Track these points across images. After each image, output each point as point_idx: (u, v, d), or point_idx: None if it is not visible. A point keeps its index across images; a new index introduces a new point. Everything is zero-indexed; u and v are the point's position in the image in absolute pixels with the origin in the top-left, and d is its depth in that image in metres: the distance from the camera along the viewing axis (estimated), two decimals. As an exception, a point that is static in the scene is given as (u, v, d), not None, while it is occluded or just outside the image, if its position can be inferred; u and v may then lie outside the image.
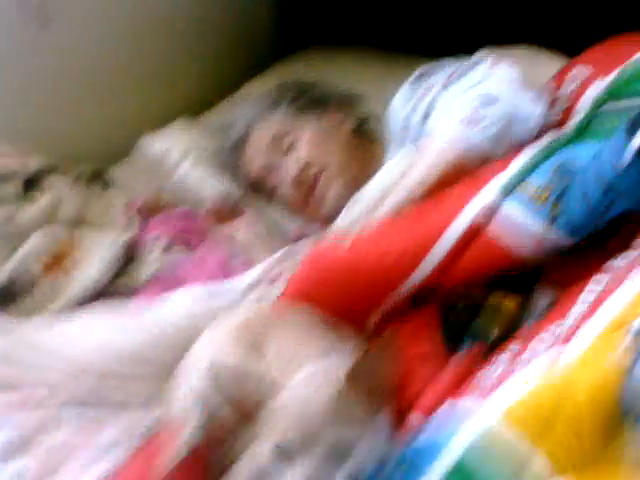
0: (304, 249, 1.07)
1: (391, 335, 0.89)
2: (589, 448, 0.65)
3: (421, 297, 0.96)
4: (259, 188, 1.39)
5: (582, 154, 0.92)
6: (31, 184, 1.31)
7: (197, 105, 1.70)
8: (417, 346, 0.92)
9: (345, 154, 1.30)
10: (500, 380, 0.72)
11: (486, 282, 0.93)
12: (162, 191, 1.44)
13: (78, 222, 1.28)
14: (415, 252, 0.91)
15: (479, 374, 0.79)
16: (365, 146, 1.36)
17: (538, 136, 1.02)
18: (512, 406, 0.68)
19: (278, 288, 1.02)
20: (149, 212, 1.39)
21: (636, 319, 0.72)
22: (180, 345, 0.95)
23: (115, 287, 1.17)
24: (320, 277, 0.97)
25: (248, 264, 1.20)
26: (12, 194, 1.27)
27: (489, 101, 1.01)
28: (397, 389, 0.90)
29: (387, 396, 0.73)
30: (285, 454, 0.70)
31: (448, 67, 1.18)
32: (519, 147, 0.99)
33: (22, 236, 1.17)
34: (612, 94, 1.04)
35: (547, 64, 1.31)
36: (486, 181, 0.94)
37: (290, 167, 1.28)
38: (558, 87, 1.15)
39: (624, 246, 0.87)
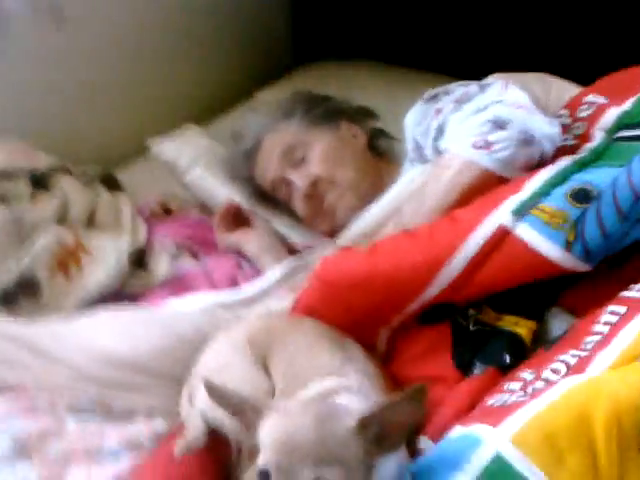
0: (312, 263, 1.06)
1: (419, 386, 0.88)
2: (605, 480, 0.64)
3: (431, 315, 0.96)
4: (269, 199, 1.38)
5: (598, 179, 0.91)
6: (40, 182, 1.31)
7: (209, 111, 1.70)
8: (427, 367, 0.92)
9: (357, 169, 1.29)
10: (513, 408, 0.71)
11: (498, 306, 0.92)
12: (171, 196, 1.43)
13: (87, 224, 1.28)
14: (429, 267, 0.90)
15: (491, 400, 0.78)
16: (378, 161, 1.36)
17: (552, 160, 1.01)
18: (525, 434, 0.67)
19: (286, 301, 1.01)
20: (158, 217, 1.38)
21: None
22: (186, 356, 0.95)
23: (123, 290, 1.16)
24: (330, 292, 0.96)
25: (255, 276, 1.19)
26: (21, 192, 1.26)
27: (500, 124, 1.01)
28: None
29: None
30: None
31: (459, 89, 1.17)
32: (534, 169, 0.98)
33: (31, 235, 1.16)
34: (627, 122, 1.03)
35: (558, 90, 1.31)
36: (500, 202, 0.93)
37: (301, 181, 1.27)
38: (571, 113, 1.15)
39: (637, 275, 0.86)
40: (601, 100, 1.12)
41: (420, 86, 1.54)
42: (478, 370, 0.88)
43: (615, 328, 0.78)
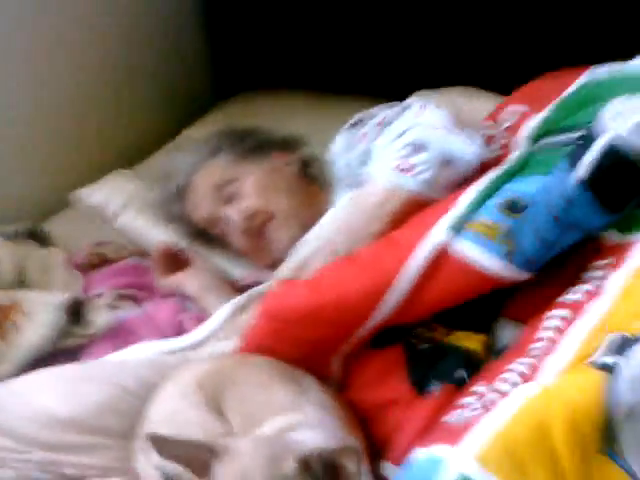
0: (256, 299, 1.05)
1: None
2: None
3: (382, 338, 0.95)
4: (205, 236, 1.36)
5: (527, 188, 0.93)
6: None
7: (137, 155, 1.67)
8: (383, 391, 0.91)
9: (292, 198, 1.28)
10: (469, 424, 0.71)
11: (447, 322, 0.93)
12: (105, 243, 1.39)
13: (17, 283, 1.23)
14: (373, 293, 0.90)
15: (447, 418, 0.78)
16: (311, 188, 1.35)
17: (481, 173, 1.03)
18: (486, 451, 0.67)
19: (233, 341, 0.99)
20: (91, 267, 1.34)
21: (595, 352, 0.73)
22: (132, 409, 0.92)
23: (60, 348, 1.11)
24: (276, 327, 0.95)
25: (199, 317, 1.16)
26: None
27: (419, 147, 1.03)
28: (366, 436, 0.89)
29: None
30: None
31: (380, 113, 1.19)
32: (463, 185, 1.00)
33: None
34: (548, 129, 1.07)
35: (481, 103, 1.34)
36: (435, 220, 0.94)
37: (237, 216, 1.26)
38: (494, 124, 1.18)
39: (575, 277, 0.88)
40: (522, 109, 1.16)
41: (346, 110, 1.55)
42: (434, 388, 0.88)
43: (559, 332, 0.79)
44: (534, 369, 0.77)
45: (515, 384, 0.76)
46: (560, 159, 0.89)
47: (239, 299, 1.09)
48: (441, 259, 0.90)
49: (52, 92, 1.52)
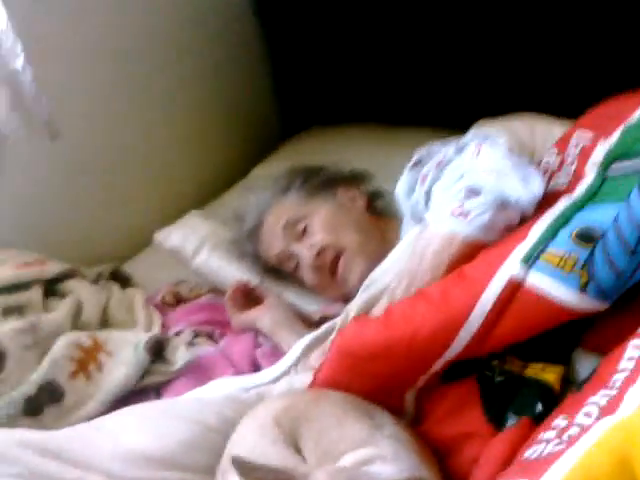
0: (327, 335, 1.06)
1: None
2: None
3: (455, 371, 0.95)
4: (277, 273, 1.39)
5: (600, 218, 0.92)
6: (52, 290, 1.33)
7: (208, 195, 1.73)
8: (459, 424, 0.91)
9: (361, 232, 1.30)
10: (551, 460, 0.69)
11: (522, 353, 0.92)
12: (181, 283, 1.45)
13: (101, 324, 1.29)
14: (447, 330, 0.90)
15: (527, 453, 0.77)
16: (379, 221, 1.37)
17: (550, 203, 1.02)
18: (568, 486, 0.66)
19: (307, 376, 1.01)
20: (170, 305, 1.39)
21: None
22: (215, 446, 0.94)
23: (143, 386, 1.16)
24: (350, 363, 0.96)
25: (274, 352, 1.19)
26: (34, 301, 1.27)
27: (474, 192, 1.02)
28: (444, 472, 0.88)
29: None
30: None
31: (438, 153, 1.20)
32: (535, 217, 0.99)
33: (47, 343, 1.16)
34: (618, 155, 1.04)
35: (543, 130, 1.33)
36: (507, 253, 0.93)
37: (307, 252, 1.29)
38: (561, 151, 1.17)
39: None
40: (589, 135, 1.14)
41: (410, 141, 1.57)
42: (511, 422, 0.87)
43: (640, 363, 0.77)
44: (616, 402, 0.75)
45: (597, 418, 0.74)
46: (633, 185, 0.88)
47: (312, 335, 1.10)
48: (514, 292, 0.89)
49: (127, 138, 1.61)
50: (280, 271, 1.39)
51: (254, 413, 0.95)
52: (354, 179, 1.45)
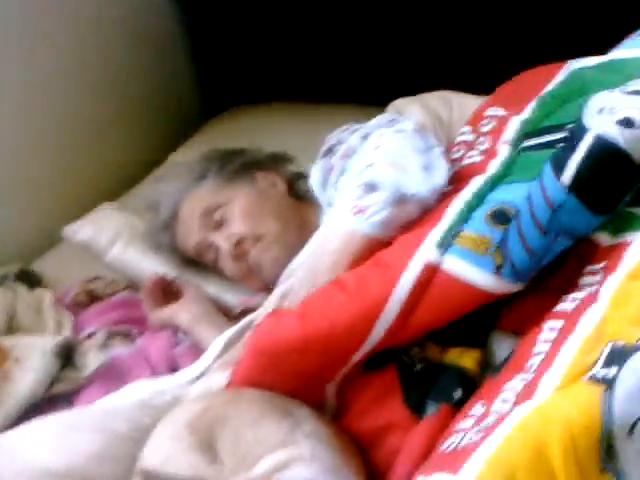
0: (246, 330, 1.02)
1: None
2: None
3: (375, 361, 0.93)
4: (196, 265, 1.34)
5: (512, 197, 0.90)
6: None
7: (123, 184, 1.65)
8: (381, 415, 0.89)
9: (279, 219, 1.26)
10: (469, 451, 0.68)
11: (440, 339, 0.90)
12: (93, 280, 1.38)
13: (7, 329, 1.21)
14: (365, 319, 0.87)
15: (445, 444, 0.75)
16: (300, 206, 1.33)
17: (462, 183, 1.00)
18: (484, 477, 0.64)
19: (224, 377, 0.96)
20: (83, 305, 1.33)
21: (595, 364, 0.69)
22: (127, 454, 0.89)
23: (53, 395, 1.09)
24: (266, 361, 0.92)
25: (193, 351, 1.14)
26: None
27: (371, 188, 1.00)
28: (365, 463, 0.86)
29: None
30: None
31: (346, 140, 1.17)
32: (449, 198, 0.96)
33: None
34: (529, 131, 1.03)
35: (460, 106, 1.31)
36: (422, 238, 0.91)
37: (225, 243, 1.24)
38: (474, 130, 1.15)
39: (570, 284, 0.85)
40: (501, 112, 1.12)
41: (335, 118, 1.54)
42: (431, 410, 0.85)
43: (555, 345, 0.76)
44: (532, 386, 0.74)
45: (514, 404, 0.73)
46: (541, 163, 0.86)
47: (231, 330, 1.06)
48: (431, 278, 0.87)
49: (35, 126, 1.51)
50: (199, 262, 1.33)
51: (168, 419, 0.90)
52: (273, 162, 1.40)
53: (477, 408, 0.77)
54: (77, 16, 1.56)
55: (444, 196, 0.99)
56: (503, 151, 1.02)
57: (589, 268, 0.85)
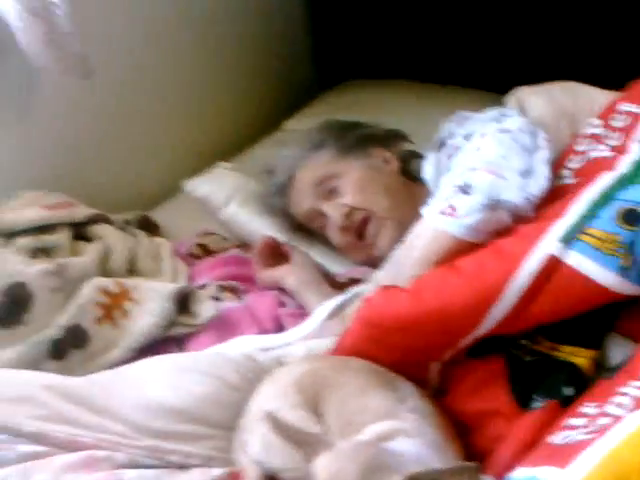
0: (353, 301, 1.05)
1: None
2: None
3: (481, 346, 0.94)
4: (305, 230, 1.38)
5: (644, 198, 0.89)
6: (80, 233, 1.33)
7: (238, 146, 1.70)
8: (483, 401, 0.90)
9: (390, 196, 1.27)
10: (580, 447, 0.68)
11: (552, 335, 0.90)
12: (208, 235, 1.44)
13: (127, 271, 1.29)
14: (479, 305, 0.88)
15: (553, 438, 0.76)
16: (411, 185, 1.34)
17: (590, 177, 0.98)
18: (596, 476, 0.64)
19: (329, 341, 1.00)
20: (197, 257, 1.39)
21: None
22: (233, 402, 0.94)
23: (167, 337, 1.16)
24: (375, 334, 0.94)
25: (298, 313, 1.19)
26: (62, 244, 1.27)
27: (465, 190, 1.00)
28: (464, 445, 0.88)
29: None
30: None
31: (455, 134, 1.19)
32: (574, 193, 0.95)
33: (73, 287, 1.17)
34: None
35: (587, 99, 1.28)
36: (545, 229, 0.90)
37: (335, 213, 1.27)
38: (605, 123, 1.12)
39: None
40: (635, 109, 1.09)
41: (451, 102, 1.53)
42: (537, 404, 0.86)
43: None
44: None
45: (630, 409, 0.72)
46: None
47: (339, 299, 1.09)
48: (551, 271, 0.87)
49: (160, 85, 1.58)
50: (308, 229, 1.37)
51: (276, 376, 0.94)
52: (390, 139, 1.41)
53: (589, 408, 0.77)
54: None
55: (568, 189, 0.98)
56: (635, 149, 0.99)
57: None
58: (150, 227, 1.44)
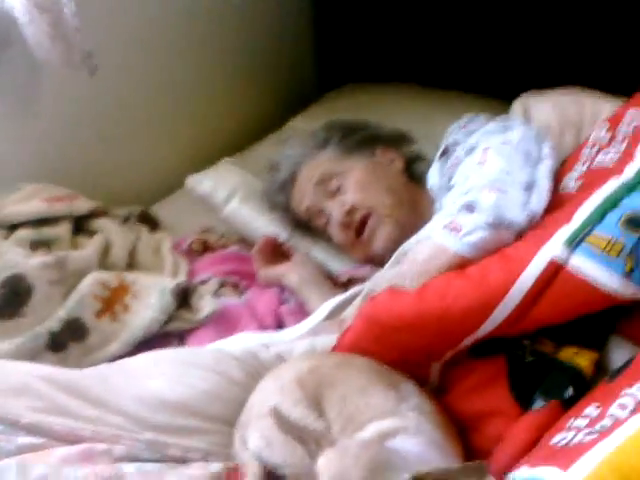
0: (355, 300, 1.05)
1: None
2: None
3: (483, 346, 0.94)
4: (307, 228, 1.37)
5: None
6: (80, 226, 1.32)
7: (241, 143, 1.70)
8: (484, 401, 0.90)
9: (392, 196, 1.28)
10: (583, 449, 0.68)
11: (554, 336, 0.90)
12: (209, 231, 1.44)
13: (128, 265, 1.28)
14: (482, 308, 0.88)
15: (555, 439, 0.76)
16: (415, 186, 1.34)
17: (598, 182, 0.98)
18: (598, 478, 0.64)
19: (329, 340, 1.00)
20: (197, 253, 1.39)
21: None
22: (235, 398, 0.94)
23: (167, 332, 1.16)
24: (377, 332, 0.94)
25: (299, 310, 1.19)
26: (62, 236, 1.27)
27: (470, 208, 1.00)
28: (465, 446, 0.88)
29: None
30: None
31: (459, 143, 1.20)
32: (581, 198, 0.95)
33: (73, 280, 1.16)
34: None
35: (593, 107, 1.29)
36: (551, 234, 0.91)
37: (337, 211, 1.27)
38: (613, 127, 1.13)
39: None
40: None
41: (454, 106, 1.54)
42: (539, 404, 0.85)
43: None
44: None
45: (633, 411, 0.72)
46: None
47: (340, 298, 1.09)
48: (555, 274, 0.87)
49: (164, 83, 1.58)
50: (309, 226, 1.37)
51: (278, 372, 0.94)
52: (395, 140, 1.42)
53: (591, 409, 0.77)
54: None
55: (574, 194, 0.98)
56: (641, 157, 1.00)
57: None
58: (150, 222, 1.43)
